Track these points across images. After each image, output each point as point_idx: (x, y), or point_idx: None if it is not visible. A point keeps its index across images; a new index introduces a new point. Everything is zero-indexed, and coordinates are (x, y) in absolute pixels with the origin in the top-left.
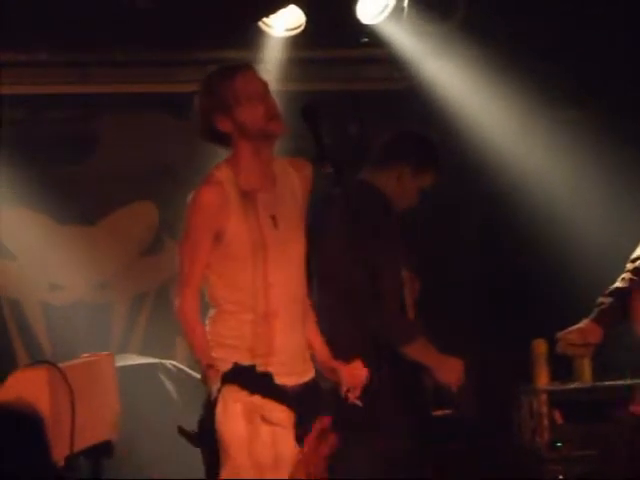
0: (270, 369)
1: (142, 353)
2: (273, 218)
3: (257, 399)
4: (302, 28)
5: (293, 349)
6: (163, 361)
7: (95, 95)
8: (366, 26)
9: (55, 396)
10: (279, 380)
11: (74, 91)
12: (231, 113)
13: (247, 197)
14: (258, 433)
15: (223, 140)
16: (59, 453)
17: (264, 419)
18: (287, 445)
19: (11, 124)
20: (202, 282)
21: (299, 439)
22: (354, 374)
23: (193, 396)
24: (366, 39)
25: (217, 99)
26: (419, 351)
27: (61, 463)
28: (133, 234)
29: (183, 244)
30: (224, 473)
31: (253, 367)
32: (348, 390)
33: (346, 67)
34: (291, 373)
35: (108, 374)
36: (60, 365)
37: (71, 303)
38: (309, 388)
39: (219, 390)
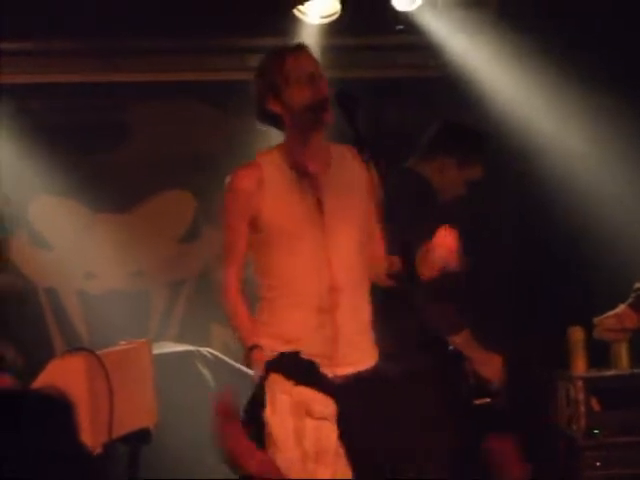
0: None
1: (179, 341)
2: (319, 202)
3: (302, 390)
4: (337, 15)
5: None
6: (200, 348)
7: (129, 83)
8: (401, 13)
9: (93, 383)
10: (325, 370)
11: (107, 79)
12: (280, 95)
13: (291, 179)
14: (304, 427)
15: (276, 122)
16: (97, 440)
17: (308, 413)
18: (330, 439)
19: (43, 113)
20: (245, 263)
21: (343, 432)
22: (442, 243)
23: (230, 383)
24: (401, 26)
25: (268, 80)
26: (465, 342)
27: (99, 450)
28: (169, 222)
29: (223, 227)
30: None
31: (297, 354)
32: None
33: (381, 54)
34: (340, 364)
35: (145, 361)
36: (97, 352)
37: (107, 291)
38: (363, 379)
39: (264, 378)
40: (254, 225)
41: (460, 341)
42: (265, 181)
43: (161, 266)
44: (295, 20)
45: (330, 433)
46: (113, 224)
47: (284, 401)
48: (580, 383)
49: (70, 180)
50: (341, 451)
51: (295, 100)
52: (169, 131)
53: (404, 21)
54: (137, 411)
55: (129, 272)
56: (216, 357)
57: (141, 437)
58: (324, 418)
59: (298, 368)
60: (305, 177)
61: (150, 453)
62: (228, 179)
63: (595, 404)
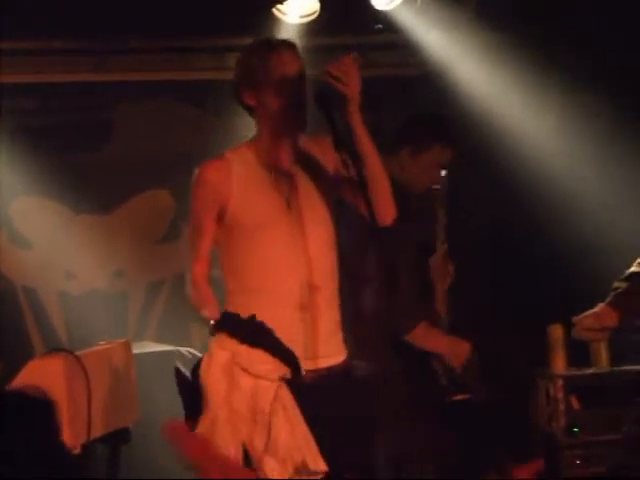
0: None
1: (158, 341)
2: (289, 197)
3: (244, 349)
4: (316, 15)
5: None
6: (180, 348)
7: (110, 83)
8: (380, 12)
9: (72, 384)
10: (306, 364)
11: (89, 79)
12: (258, 90)
13: (261, 176)
14: (238, 384)
15: (250, 112)
16: (76, 440)
17: (246, 371)
18: (266, 399)
19: (26, 113)
20: (211, 258)
21: (312, 425)
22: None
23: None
24: (380, 25)
25: (247, 72)
26: (421, 337)
27: (78, 450)
28: (148, 222)
29: (190, 220)
30: (201, 423)
31: (250, 318)
32: None
33: (360, 53)
34: (308, 357)
35: (125, 361)
36: (77, 353)
37: (87, 291)
38: (332, 374)
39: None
40: (221, 219)
41: (420, 335)
42: (233, 175)
43: (141, 266)
44: (274, 19)
45: (266, 393)
46: (93, 225)
47: (220, 356)
48: (560, 381)
49: (51, 180)
50: (293, 416)
51: (272, 100)
52: (150, 131)
53: (383, 20)
54: (117, 411)
55: (109, 272)
56: (196, 357)
57: (120, 437)
58: (262, 377)
59: (245, 327)
60: (275, 174)
61: (130, 452)
62: (195, 172)
63: (575, 402)
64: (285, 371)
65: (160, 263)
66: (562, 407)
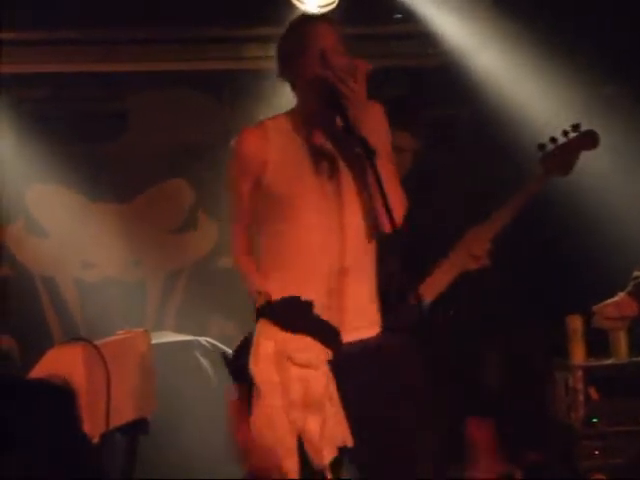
0: None
1: (177, 330)
2: (331, 177)
3: (287, 336)
4: (335, 4)
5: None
6: (198, 338)
7: (127, 73)
8: (399, 1)
9: (91, 373)
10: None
11: (105, 69)
12: (294, 62)
13: (301, 147)
14: (289, 374)
15: (291, 84)
16: (95, 430)
17: (292, 360)
18: (318, 387)
19: (43, 102)
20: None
21: (343, 397)
22: None
23: (228, 372)
24: (399, 15)
25: (283, 47)
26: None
27: (97, 439)
28: (166, 212)
29: (229, 190)
30: (255, 412)
31: (292, 298)
32: None
33: (379, 43)
34: (345, 331)
35: (144, 351)
36: (96, 342)
37: (105, 280)
38: (364, 347)
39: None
40: (257, 188)
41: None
42: (270, 142)
43: (158, 256)
44: (293, 9)
45: (317, 381)
46: (111, 214)
47: (268, 347)
48: (579, 372)
49: (67, 169)
50: (335, 398)
51: (305, 72)
52: (167, 121)
53: (402, 9)
54: (135, 401)
55: (126, 261)
56: (214, 346)
57: (139, 427)
58: (308, 366)
59: (288, 313)
60: (311, 148)
61: (148, 442)
62: (233, 141)
63: (594, 393)
64: (328, 354)
65: (178, 252)
66: (581, 398)
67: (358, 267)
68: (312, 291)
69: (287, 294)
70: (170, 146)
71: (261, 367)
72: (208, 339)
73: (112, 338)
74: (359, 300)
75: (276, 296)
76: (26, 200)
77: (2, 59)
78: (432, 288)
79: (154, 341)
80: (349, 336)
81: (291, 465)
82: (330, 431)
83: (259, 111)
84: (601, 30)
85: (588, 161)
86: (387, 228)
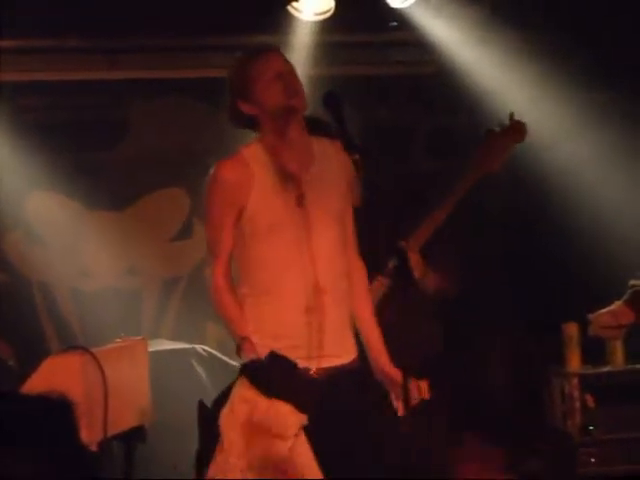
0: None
1: (173, 338)
2: (300, 197)
3: (263, 403)
4: (331, 12)
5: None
6: (195, 346)
7: (124, 81)
8: (395, 10)
9: (88, 381)
10: (311, 363)
11: (103, 77)
12: (250, 96)
13: (273, 175)
14: (254, 440)
15: (251, 124)
16: (92, 438)
17: (263, 428)
18: (282, 454)
19: (41, 110)
20: (231, 258)
21: (318, 421)
22: (419, 390)
23: (225, 381)
24: (395, 23)
25: (237, 85)
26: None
27: (94, 448)
28: (162, 220)
29: (207, 220)
30: (214, 465)
31: (274, 356)
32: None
33: (375, 51)
34: (312, 357)
35: (141, 359)
36: (93, 350)
37: (101, 289)
38: (345, 372)
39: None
40: (239, 218)
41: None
42: (253, 173)
43: (155, 264)
44: (289, 17)
45: (279, 451)
46: (108, 222)
47: (240, 412)
48: (575, 380)
49: (65, 177)
50: (302, 456)
51: (265, 98)
52: (163, 129)
53: (398, 18)
54: (132, 409)
55: (123, 269)
56: (211, 354)
57: (136, 435)
58: (276, 436)
59: (270, 375)
60: (286, 174)
61: (145, 450)
62: (212, 171)
63: (590, 401)
64: (302, 421)
65: (175, 260)
66: (577, 405)
67: (333, 287)
68: (291, 309)
69: (268, 314)
70: (166, 154)
71: (230, 430)
72: (204, 347)
73: (109, 346)
74: (337, 319)
75: (257, 320)
76: (25, 208)
77: (2, 67)
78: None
79: (150, 349)
80: (327, 362)
81: None
82: None
83: None
84: (596, 37)
85: (585, 169)
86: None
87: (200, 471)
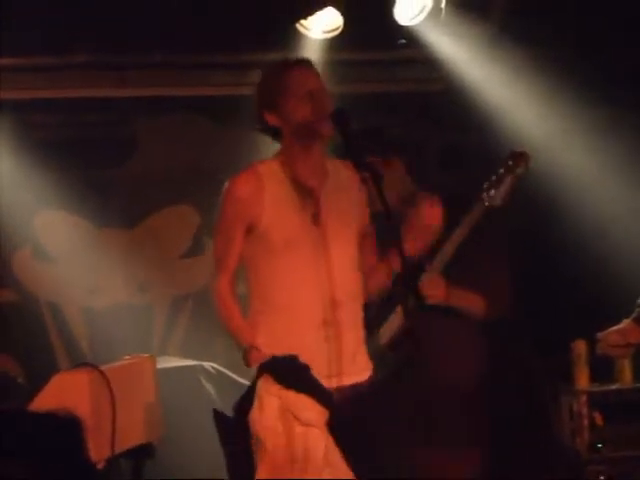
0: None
1: (182, 355)
2: (315, 215)
3: (290, 394)
4: (340, 30)
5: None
6: (203, 363)
7: (132, 99)
8: (404, 27)
9: (96, 398)
10: (331, 381)
11: (111, 94)
12: (278, 108)
13: (289, 192)
14: (293, 431)
15: (274, 134)
16: (100, 455)
17: (296, 418)
18: (317, 448)
19: (49, 127)
20: (237, 268)
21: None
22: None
23: (233, 398)
24: (404, 41)
25: (266, 94)
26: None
27: (101, 465)
28: (172, 237)
29: (216, 232)
30: (262, 468)
31: (291, 358)
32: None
33: (384, 69)
34: (332, 375)
35: (149, 376)
36: (101, 367)
37: (111, 306)
38: (357, 392)
39: (256, 379)
40: (250, 234)
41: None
42: (265, 189)
43: (164, 281)
44: (298, 35)
45: (317, 441)
46: (117, 239)
47: (272, 403)
48: (583, 397)
49: (74, 195)
50: (334, 459)
51: (293, 115)
52: (172, 146)
53: (407, 35)
54: (141, 426)
55: (132, 287)
56: (219, 372)
57: (144, 452)
58: (311, 425)
59: (290, 371)
60: (303, 190)
61: (153, 468)
62: (226, 185)
63: (598, 418)
64: (326, 414)
65: (184, 278)
66: (586, 423)
67: (349, 302)
68: (308, 324)
69: (283, 330)
70: (175, 171)
71: (267, 425)
72: (212, 364)
73: (118, 363)
74: (354, 335)
75: (270, 336)
76: (33, 226)
77: (10, 85)
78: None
79: (159, 366)
80: (347, 379)
81: None
82: None
83: (263, 137)
84: (603, 53)
85: (593, 184)
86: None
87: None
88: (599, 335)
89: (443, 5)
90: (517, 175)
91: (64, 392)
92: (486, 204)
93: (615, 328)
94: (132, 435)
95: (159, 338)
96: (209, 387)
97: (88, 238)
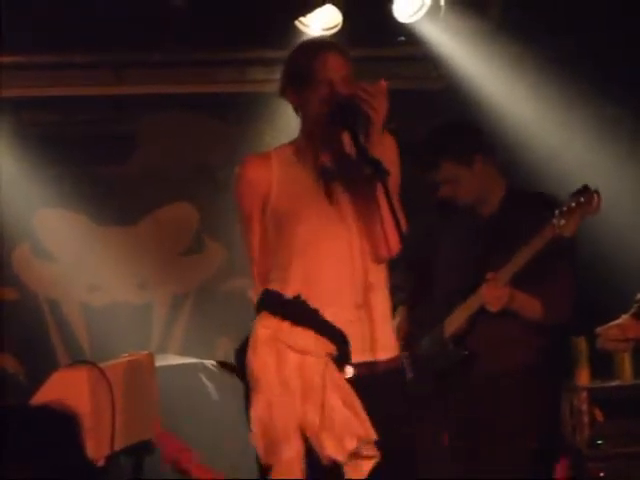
0: None
1: (182, 353)
2: (328, 197)
3: (286, 325)
4: (339, 27)
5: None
6: (203, 361)
7: (133, 96)
8: (403, 25)
9: (95, 396)
10: (366, 356)
11: (112, 92)
12: (301, 89)
13: (302, 173)
14: (286, 361)
15: (294, 109)
16: (99, 452)
17: (291, 347)
18: (314, 374)
19: (49, 125)
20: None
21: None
22: None
23: (233, 396)
24: (403, 38)
25: (293, 70)
26: None
27: (101, 462)
28: (172, 235)
29: (240, 221)
30: (256, 406)
31: (297, 299)
32: None
33: (383, 66)
34: (365, 349)
35: (149, 373)
36: (101, 365)
37: (110, 304)
38: (388, 370)
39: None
40: (265, 214)
41: None
42: (273, 170)
43: (164, 279)
44: (297, 32)
45: (313, 369)
46: (117, 237)
47: (263, 334)
48: (584, 394)
49: (74, 193)
50: (345, 389)
51: (313, 100)
52: (172, 144)
53: (406, 33)
54: (140, 423)
55: (132, 285)
56: (219, 369)
57: (144, 449)
58: (305, 352)
59: (289, 306)
60: (314, 174)
61: (154, 465)
62: (236, 169)
63: (599, 415)
64: (331, 348)
65: (184, 275)
66: (586, 419)
67: (378, 284)
68: (340, 307)
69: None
70: (175, 169)
71: (258, 357)
72: (214, 362)
73: (117, 361)
74: (385, 314)
75: None
76: (33, 223)
77: (9, 82)
78: (452, 324)
79: (158, 364)
80: (380, 354)
81: (293, 454)
82: (337, 424)
83: (264, 133)
84: (603, 51)
85: (593, 182)
86: (385, 252)
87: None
88: (598, 330)
89: (442, 2)
90: (588, 213)
91: (63, 389)
92: (557, 231)
93: (614, 323)
94: (131, 432)
95: (159, 336)
96: (210, 385)
97: (88, 236)
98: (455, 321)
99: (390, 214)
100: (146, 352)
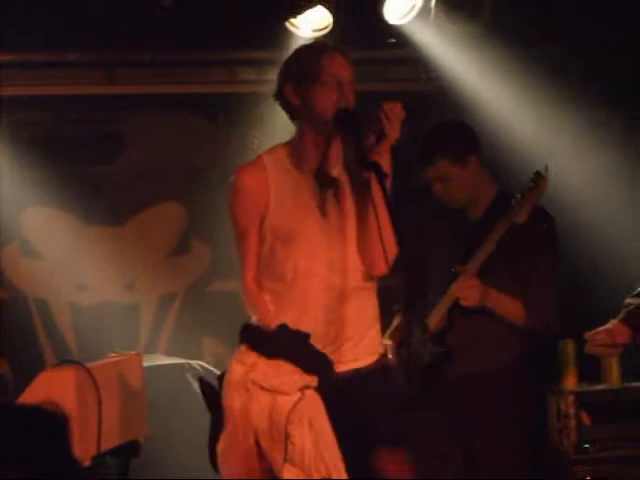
0: None
1: (169, 353)
2: (323, 206)
3: (261, 362)
4: (329, 29)
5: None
6: (190, 361)
7: (123, 96)
8: (393, 27)
9: (82, 396)
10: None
11: (101, 92)
12: (303, 86)
13: (298, 181)
14: (257, 401)
15: (290, 111)
16: (86, 452)
17: (261, 387)
18: (280, 415)
19: (38, 124)
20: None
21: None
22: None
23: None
24: (393, 40)
25: (296, 67)
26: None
27: (87, 462)
28: (160, 235)
29: (235, 231)
30: (222, 439)
31: (284, 328)
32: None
33: (373, 68)
34: (342, 361)
35: (136, 374)
36: (87, 365)
37: (98, 303)
38: (359, 375)
39: None
40: (263, 222)
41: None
42: (270, 178)
43: (152, 279)
44: (287, 33)
45: (280, 408)
46: (105, 236)
47: (235, 372)
48: (571, 397)
49: (63, 192)
50: (317, 424)
51: (315, 99)
52: (161, 144)
53: (396, 34)
54: (127, 423)
55: (120, 284)
56: (207, 370)
57: (130, 450)
58: (276, 391)
59: (266, 340)
60: (311, 179)
61: (141, 466)
62: (232, 178)
63: (586, 418)
64: (308, 380)
65: (172, 276)
66: (573, 423)
67: (358, 295)
68: (308, 319)
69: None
70: (164, 169)
71: (227, 394)
72: (200, 362)
73: (104, 361)
74: (359, 328)
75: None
76: (21, 222)
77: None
78: (431, 322)
79: (146, 364)
80: (344, 366)
81: None
82: (307, 457)
83: (254, 134)
84: (594, 54)
85: (584, 187)
86: (382, 267)
87: (213, 451)
88: (587, 335)
89: (432, 4)
90: (538, 196)
91: (50, 389)
92: (512, 219)
93: (603, 328)
94: (118, 433)
95: (146, 336)
96: (196, 385)
97: (76, 235)
98: (434, 319)
99: (388, 221)
100: (134, 352)
